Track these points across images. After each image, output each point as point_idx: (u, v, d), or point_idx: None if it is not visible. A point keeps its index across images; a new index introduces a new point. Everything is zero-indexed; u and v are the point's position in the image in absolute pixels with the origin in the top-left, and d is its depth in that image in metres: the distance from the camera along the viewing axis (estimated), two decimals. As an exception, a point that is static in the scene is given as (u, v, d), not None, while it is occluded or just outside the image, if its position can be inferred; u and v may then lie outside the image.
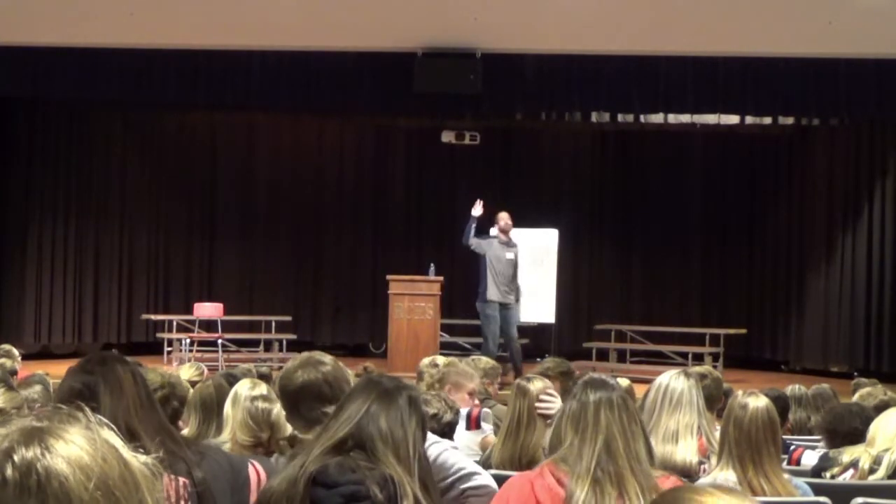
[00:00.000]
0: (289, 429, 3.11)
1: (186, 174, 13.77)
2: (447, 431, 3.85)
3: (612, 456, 2.49)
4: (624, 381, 5.05)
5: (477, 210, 10.52)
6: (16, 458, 0.95)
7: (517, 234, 10.90)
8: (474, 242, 10.53)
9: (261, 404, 3.61)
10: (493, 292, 10.40)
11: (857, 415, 4.46)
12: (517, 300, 10.56)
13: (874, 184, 11.80)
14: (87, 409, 1.05)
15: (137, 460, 1.04)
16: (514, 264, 10.50)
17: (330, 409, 2.77)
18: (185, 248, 13.81)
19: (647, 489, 2.41)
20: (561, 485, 2.48)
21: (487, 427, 4.66)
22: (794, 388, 5.85)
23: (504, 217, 10.57)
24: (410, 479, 2.32)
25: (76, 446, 0.99)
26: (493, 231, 10.61)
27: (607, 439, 2.52)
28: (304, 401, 2.86)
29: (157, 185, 13.57)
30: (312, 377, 2.87)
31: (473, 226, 10.50)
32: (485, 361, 6.14)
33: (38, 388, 5.04)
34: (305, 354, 3.03)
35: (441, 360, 5.80)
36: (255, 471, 2.57)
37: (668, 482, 2.50)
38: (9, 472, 0.94)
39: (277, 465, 2.84)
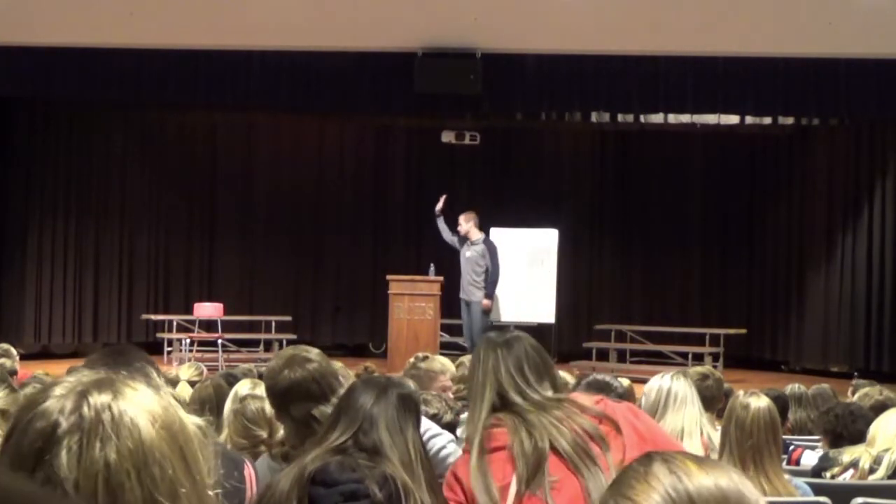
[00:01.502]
0: None
1: (186, 174, 13.77)
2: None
3: (508, 401, 2.33)
4: (624, 381, 5.05)
5: (437, 207, 10.54)
6: (91, 399, 1.09)
7: (518, 234, 10.88)
8: (450, 240, 10.58)
9: (252, 403, 3.52)
10: (460, 290, 10.47)
11: (861, 417, 4.46)
12: (487, 297, 10.29)
13: (874, 184, 11.80)
14: (153, 370, 1.22)
15: (190, 420, 1.16)
16: (471, 261, 10.35)
17: (318, 409, 2.76)
18: (185, 248, 13.81)
19: (566, 416, 2.27)
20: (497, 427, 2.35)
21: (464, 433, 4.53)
22: (793, 387, 5.84)
23: (460, 218, 10.51)
24: (416, 483, 2.31)
25: (143, 394, 1.12)
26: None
27: (497, 388, 2.35)
28: (293, 401, 2.81)
29: (157, 185, 13.57)
30: (300, 376, 2.81)
31: (439, 222, 10.56)
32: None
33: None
34: (289, 351, 2.96)
35: (440, 358, 5.73)
36: (249, 469, 2.58)
37: (584, 398, 2.36)
38: (85, 410, 1.08)
39: (267, 469, 2.83)
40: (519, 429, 2.26)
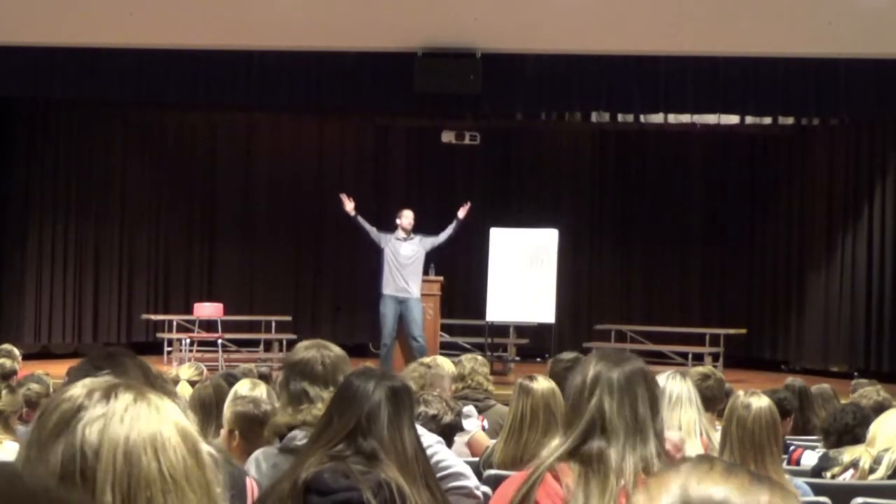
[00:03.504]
0: None
1: (186, 174, 13.76)
2: (447, 433, 3.83)
3: (598, 455, 2.16)
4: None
5: (349, 206, 10.43)
6: (118, 393, 1.22)
7: (518, 234, 10.86)
8: (376, 237, 10.37)
9: (253, 407, 3.50)
10: (388, 287, 10.19)
11: (851, 412, 4.47)
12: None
13: (874, 184, 11.80)
14: (175, 392, 1.33)
15: (205, 446, 1.26)
16: (414, 258, 10.17)
17: (314, 389, 2.88)
18: (185, 248, 13.80)
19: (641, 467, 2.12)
20: (556, 480, 2.18)
21: (471, 425, 4.54)
22: (793, 381, 5.80)
23: (403, 214, 10.35)
24: (413, 484, 2.31)
25: (165, 403, 1.24)
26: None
27: (594, 436, 2.18)
28: (294, 374, 2.95)
29: (158, 186, 13.56)
30: (312, 355, 2.99)
31: (359, 220, 10.41)
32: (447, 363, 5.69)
33: (36, 386, 5.05)
34: (318, 340, 3.18)
35: (441, 359, 5.74)
36: (251, 483, 2.58)
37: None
38: (112, 400, 1.20)
39: (260, 466, 2.84)
40: (578, 495, 2.11)
